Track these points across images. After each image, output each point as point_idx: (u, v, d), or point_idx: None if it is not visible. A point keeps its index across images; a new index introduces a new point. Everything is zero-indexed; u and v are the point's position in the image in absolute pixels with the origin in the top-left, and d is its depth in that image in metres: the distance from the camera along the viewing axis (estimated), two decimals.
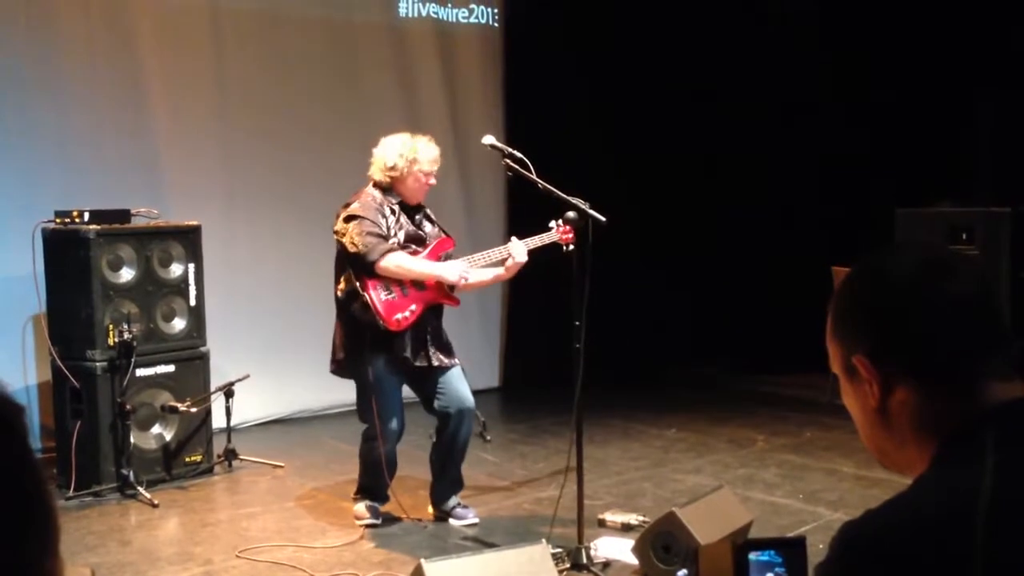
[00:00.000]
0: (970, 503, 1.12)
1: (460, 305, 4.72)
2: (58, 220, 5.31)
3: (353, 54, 7.14)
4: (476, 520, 4.73)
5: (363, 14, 7.21)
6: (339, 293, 4.54)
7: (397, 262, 4.43)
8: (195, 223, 5.66)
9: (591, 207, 4.05)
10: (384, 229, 4.47)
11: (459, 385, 4.63)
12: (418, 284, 4.52)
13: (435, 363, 4.56)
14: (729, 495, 4.37)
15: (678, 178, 8.14)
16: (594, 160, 7.48)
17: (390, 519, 4.76)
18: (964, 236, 6.54)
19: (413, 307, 4.48)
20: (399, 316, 4.44)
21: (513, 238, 4.64)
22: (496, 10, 7.82)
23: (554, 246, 4.52)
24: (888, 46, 7.92)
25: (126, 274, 5.37)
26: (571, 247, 4.45)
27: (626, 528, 4.55)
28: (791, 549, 1.58)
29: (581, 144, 7.56)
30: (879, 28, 7.95)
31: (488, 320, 7.92)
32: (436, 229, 4.71)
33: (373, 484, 4.74)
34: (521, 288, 7.91)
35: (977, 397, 1.22)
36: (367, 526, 4.67)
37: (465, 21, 7.69)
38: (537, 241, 4.61)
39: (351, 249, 4.43)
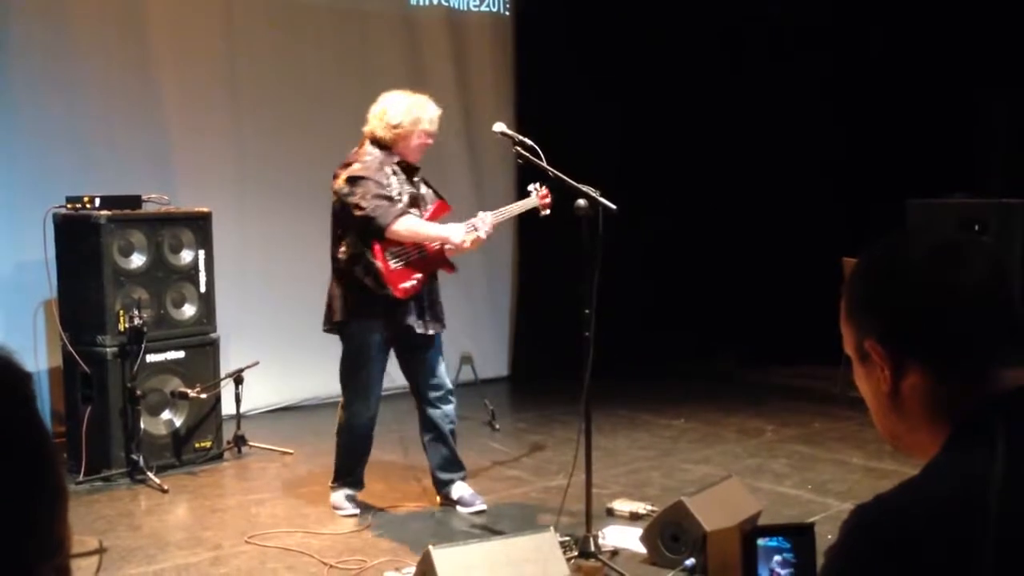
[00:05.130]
0: (981, 488, 1.12)
1: (456, 271, 4.70)
2: (69, 206, 5.32)
3: (364, 42, 7.13)
4: (483, 507, 4.73)
5: (375, 2, 7.20)
6: (341, 255, 4.47)
7: (408, 225, 4.41)
8: (206, 210, 5.66)
9: (601, 195, 4.04)
10: (389, 191, 4.44)
11: (440, 362, 4.66)
12: (420, 251, 4.50)
13: (430, 331, 4.56)
14: (738, 485, 4.37)
15: (688, 167, 8.12)
16: (604, 148, 7.46)
17: (367, 506, 4.75)
18: (977, 227, 6.50)
19: (419, 275, 4.47)
20: (405, 284, 4.43)
21: (480, 211, 4.64)
22: None
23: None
24: (902, 37, 7.88)
25: (137, 260, 5.38)
26: (548, 212, 4.57)
27: (634, 517, 4.55)
28: (799, 535, 1.58)
29: (592, 132, 7.54)
30: (893, 19, 7.90)
31: (497, 309, 7.92)
32: (432, 192, 4.69)
33: (351, 466, 4.72)
34: (531, 277, 7.92)
35: (989, 383, 1.22)
36: (348, 516, 4.65)
37: (476, 9, 7.67)
38: (515, 209, 4.68)
39: (357, 213, 4.37)
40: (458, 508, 4.71)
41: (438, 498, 4.80)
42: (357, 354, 4.56)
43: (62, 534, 0.94)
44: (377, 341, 4.51)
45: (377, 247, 4.40)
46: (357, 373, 4.56)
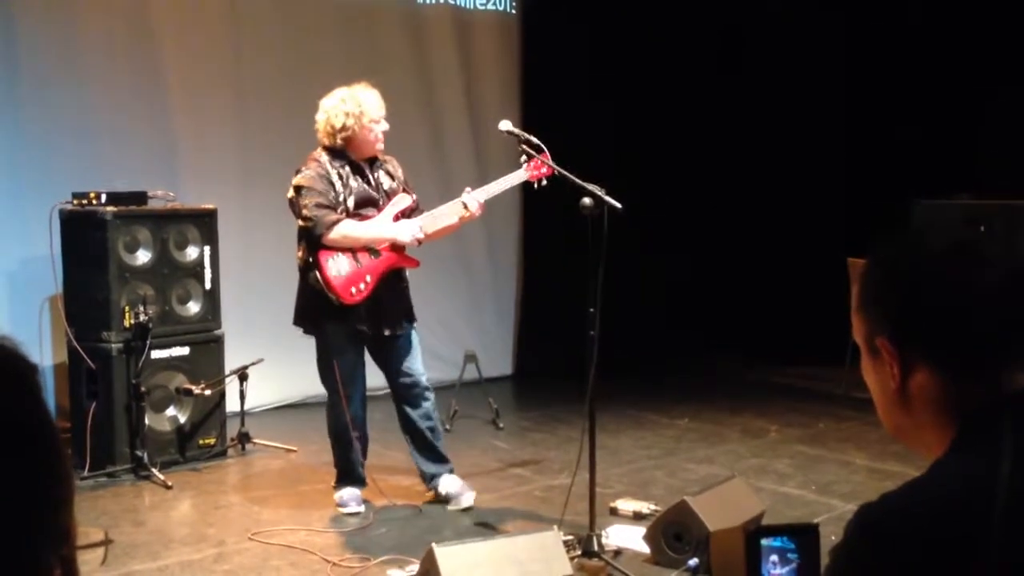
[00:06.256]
0: (987, 488, 1.11)
1: (419, 265, 4.64)
2: (75, 201, 5.33)
3: (370, 39, 7.14)
4: (471, 503, 4.68)
5: (381, 0, 7.20)
6: (298, 260, 4.55)
7: (344, 231, 4.41)
8: (211, 206, 5.67)
9: (607, 194, 4.03)
10: (331, 198, 4.44)
11: (410, 359, 4.63)
12: (372, 251, 4.48)
13: (387, 332, 4.54)
14: (741, 485, 4.37)
15: (695, 167, 8.12)
16: (610, 147, 7.46)
17: (370, 504, 4.73)
18: (983, 228, 6.48)
19: (368, 278, 4.45)
20: (354, 289, 4.42)
21: (467, 189, 4.61)
22: None
23: (525, 185, 4.51)
24: (908, 37, 7.87)
25: (142, 256, 5.39)
26: (544, 182, 4.45)
27: (638, 516, 4.54)
28: (804, 535, 1.58)
29: (597, 131, 7.54)
30: (900, 20, 7.89)
31: (502, 308, 7.92)
32: (397, 184, 4.64)
33: (348, 464, 4.72)
34: (535, 276, 7.92)
35: (999, 384, 1.21)
36: (351, 514, 4.65)
37: (482, 8, 7.67)
38: (503, 184, 4.58)
39: (300, 223, 4.45)
40: (448, 507, 4.68)
41: (429, 493, 4.79)
42: (323, 357, 4.58)
43: (68, 524, 0.94)
44: (340, 343, 4.52)
45: (321, 255, 4.42)
46: (328, 375, 4.57)
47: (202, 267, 5.60)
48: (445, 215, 4.58)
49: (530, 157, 4.41)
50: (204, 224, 5.61)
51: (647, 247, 7.64)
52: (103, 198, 5.27)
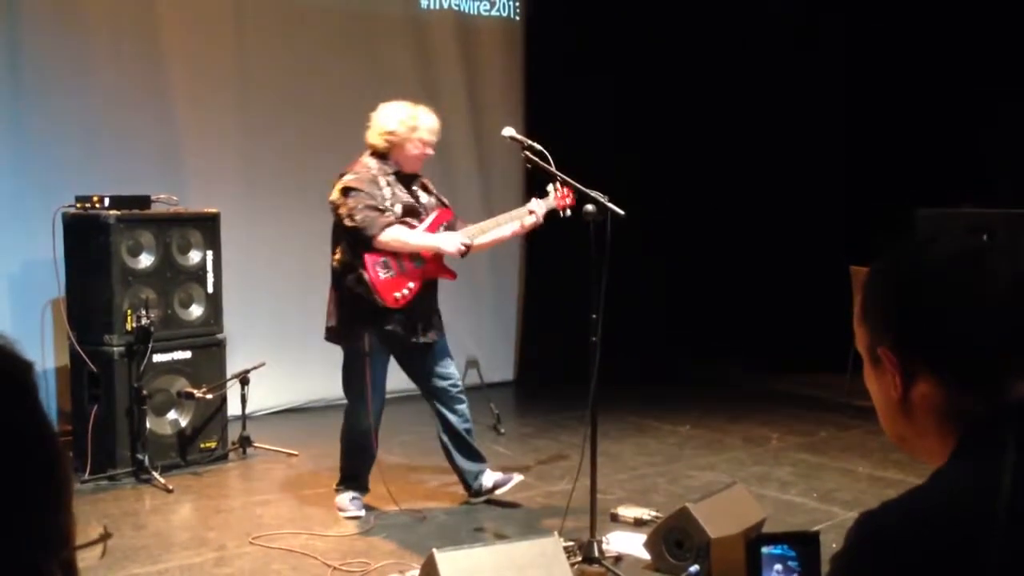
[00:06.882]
0: (988, 497, 1.11)
1: (456, 278, 4.68)
2: (78, 205, 5.33)
3: (374, 45, 7.15)
4: (520, 478, 4.81)
5: (385, 5, 7.22)
6: (335, 263, 4.52)
7: (395, 235, 4.41)
8: (214, 211, 5.68)
9: (610, 200, 4.03)
10: (381, 201, 4.44)
11: (447, 364, 4.67)
12: (416, 259, 4.49)
13: (423, 340, 4.55)
14: (743, 492, 4.36)
15: (697, 173, 8.12)
16: (613, 153, 7.46)
17: (371, 509, 4.74)
18: (985, 237, 6.47)
19: (411, 284, 4.46)
20: (397, 294, 4.42)
21: (534, 199, 4.65)
22: (517, 3, 7.82)
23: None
24: (912, 45, 7.87)
25: (145, 260, 5.40)
26: (568, 212, 4.50)
27: (639, 523, 4.54)
28: (805, 543, 1.57)
29: (601, 137, 7.55)
30: (903, 27, 7.89)
31: (503, 314, 7.92)
32: (433, 199, 4.67)
33: (356, 469, 4.74)
34: (537, 282, 7.92)
35: (1001, 394, 1.20)
36: (352, 518, 4.65)
37: (486, 14, 7.69)
38: (545, 204, 4.60)
39: (348, 224, 4.40)
40: (497, 493, 4.75)
41: (471, 495, 4.80)
42: (353, 361, 4.57)
43: (67, 526, 0.94)
44: (372, 348, 4.51)
45: (367, 257, 4.40)
46: (354, 380, 4.57)
47: (205, 271, 5.60)
48: (501, 225, 4.61)
49: (551, 180, 4.44)
50: (207, 228, 5.61)
51: (649, 253, 7.64)
52: (106, 202, 5.28)
